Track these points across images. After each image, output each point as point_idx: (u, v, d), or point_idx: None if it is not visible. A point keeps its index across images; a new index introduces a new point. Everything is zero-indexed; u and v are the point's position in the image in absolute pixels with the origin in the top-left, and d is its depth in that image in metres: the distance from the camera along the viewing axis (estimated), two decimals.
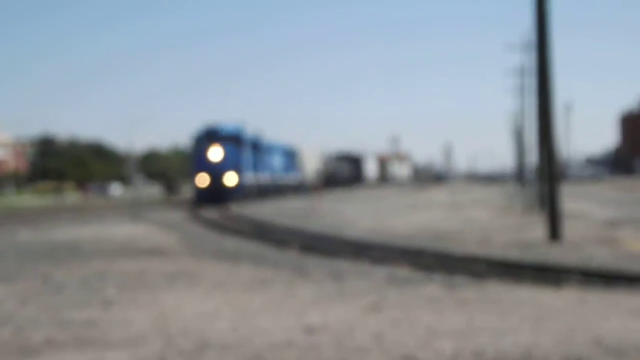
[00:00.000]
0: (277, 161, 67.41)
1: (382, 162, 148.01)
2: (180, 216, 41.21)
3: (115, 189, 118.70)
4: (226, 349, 9.44)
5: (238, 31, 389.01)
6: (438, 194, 71.45)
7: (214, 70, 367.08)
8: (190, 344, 9.78)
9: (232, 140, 56.73)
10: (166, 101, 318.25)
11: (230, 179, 55.07)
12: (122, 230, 29.67)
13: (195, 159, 56.69)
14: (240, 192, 55.86)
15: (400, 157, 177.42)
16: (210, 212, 43.06)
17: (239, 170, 55.60)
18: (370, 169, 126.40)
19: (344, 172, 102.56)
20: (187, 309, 12.61)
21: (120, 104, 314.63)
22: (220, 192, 54.40)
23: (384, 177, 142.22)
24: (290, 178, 72.57)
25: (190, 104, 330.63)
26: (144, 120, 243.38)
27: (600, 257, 19.59)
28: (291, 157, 72.72)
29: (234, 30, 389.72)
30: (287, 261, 20.75)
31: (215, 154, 55.31)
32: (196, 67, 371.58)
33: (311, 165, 79.83)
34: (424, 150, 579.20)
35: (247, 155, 57.75)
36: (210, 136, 56.84)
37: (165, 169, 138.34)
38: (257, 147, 60.92)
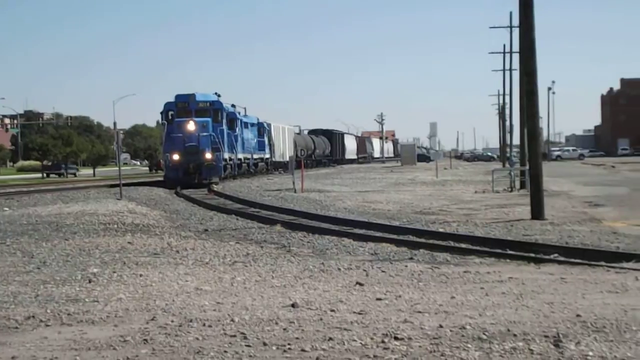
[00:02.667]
0: (250, 137, 60.80)
1: (363, 140, 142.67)
2: (165, 193, 41.10)
3: None
4: (209, 325, 9.47)
5: (223, 10, 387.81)
6: (422, 173, 71.47)
7: (198, 47, 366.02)
8: (173, 320, 9.80)
9: (209, 112, 50.10)
10: (149, 79, 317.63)
11: (207, 156, 47.67)
12: (105, 207, 29.57)
13: (167, 134, 49.02)
14: (217, 172, 48.88)
15: (384, 136, 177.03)
16: (194, 190, 42.81)
17: (216, 147, 48.49)
18: (350, 146, 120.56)
19: (320, 150, 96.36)
20: (171, 285, 12.62)
21: (103, 82, 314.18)
22: (194, 171, 47.50)
23: (366, 156, 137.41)
24: (263, 155, 66.44)
25: (175, 82, 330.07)
26: (127, 97, 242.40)
27: (581, 235, 19.72)
28: (263, 133, 65.92)
29: (219, 8, 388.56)
30: (271, 238, 20.80)
31: (190, 128, 47.78)
32: (182, 44, 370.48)
33: (283, 141, 75.40)
34: (410, 130, 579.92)
35: (224, 129, 50.62)
36: (183, 107, 50.12)
37: (148, 145, 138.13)
38: (232, 121, 53.63)
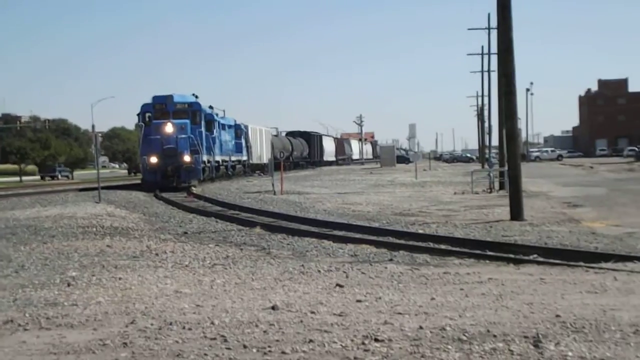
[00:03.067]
0: (227, 139, 58.41)
1: (342, 142, 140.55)
2: (144, 196, 40.91)
3: None
4: (189, 328, 9.44)
5: (200, 13, 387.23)
6: (402, 174, 71.54)
7: (177, 51, 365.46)
8: (153, 323, 9.76)
9: (188, 113, 48.26)
10: (128, 82, 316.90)
11: (186, 159, 46.05)
12: (84, 210, 29.46)
13: (144, 136, 47.46)
14: (196, 175, 47.47)
15: (364, 137, 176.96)
16: (173, 193, 42.51)
17: (195, 149, 46.85)
18: (328, 148, 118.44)
19: (298, 152, 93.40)
20: (150, 288, 12.58)
21: (82, 85, 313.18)
22: (173, 174, 46.13)
23: (345, 157, 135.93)
24: (240, 158, 64.14)
25: (154, 85, 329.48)
26: (105, 100, 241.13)
27: (560, 236, 19.79)
28: (240, 135, 63.63)
29: (195, 12, 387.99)
30: (250, 241, 20.78)
31: (168, 130, 46.08)
32: (160, 48, 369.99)
33: (260, 144, 73.29)
34: (389, 131, 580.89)
35: (202, 131, 48.86)
36: (161, 109, 48.07)
37: (127, 148, 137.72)
38: (210, 123, 51.29)
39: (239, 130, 63.38)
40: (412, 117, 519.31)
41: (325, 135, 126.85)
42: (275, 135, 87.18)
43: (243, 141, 64.94)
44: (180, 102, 48.93)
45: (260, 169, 71.13)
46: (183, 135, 46.40)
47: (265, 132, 77.06)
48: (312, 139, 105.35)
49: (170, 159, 46.11)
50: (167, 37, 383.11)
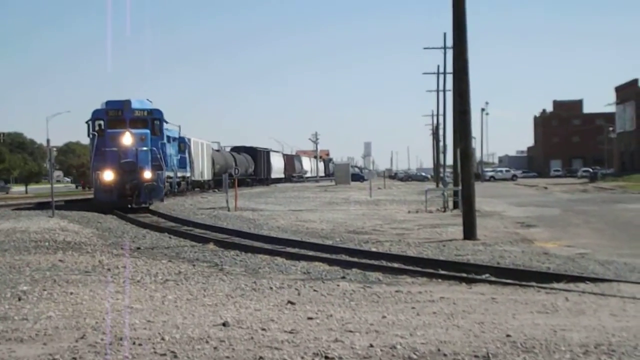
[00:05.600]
0: (172, 152, 50.23)
1: (291, 159, 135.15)
2: (98, 211, 40.49)
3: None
4: (140, 343, 9.40)
5: (155, 28, 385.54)
6: (356, 192, 71.63)
7: (131, 66, 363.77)
8: (103, 338, 9.71)
9: (147, 122, 42.05)
10: (85, 97, 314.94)
11: (147, 176, 40.07)
12: (37, 224, 29.21)
13: (97, 148, 40.79)
14: (158, 193, 41.64)
15: (318, 155, 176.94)
16: (128, 209, 41.60)
17: (157, 164, 41.20)
18: (277, 165, 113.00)
19: (242, 169, 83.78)
20: (101, 303, 12.50)
21: (38, 99, 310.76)
22: (131, 193, 39.98)
23: (295, 175, 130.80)
24: (185, 174, 57.19)
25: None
26: (61, 115, 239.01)
27: (513, 256, 19.91)
28: (184, 148, 56.10)
29: (152, 27, 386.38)
30: (203, 257, 20.70)
31: (126, 141, 39.92)
32: (117, 62, 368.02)
33: (202, 159, 67.40)
34: (344, 149, 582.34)
35: (165, 143, 43.69)
36: (116, 116, 41.70)
37: (82, 163, 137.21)
38: (163, 134, 43.78)
39: (182, 144, 56.19)
40: (368, 135, 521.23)
41: (273, 151, 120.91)
42: (217, 150, 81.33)
43: (187, 155, 58.18)
44: (139, 108, 42.86)
45: (200, 186, 67.22)
46: (144, 148, 40.55)
47: (206, 146, 71.12)
48: (258, 155, 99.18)
49: (129, 175, 40.03)
50: (123, 50, 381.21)
